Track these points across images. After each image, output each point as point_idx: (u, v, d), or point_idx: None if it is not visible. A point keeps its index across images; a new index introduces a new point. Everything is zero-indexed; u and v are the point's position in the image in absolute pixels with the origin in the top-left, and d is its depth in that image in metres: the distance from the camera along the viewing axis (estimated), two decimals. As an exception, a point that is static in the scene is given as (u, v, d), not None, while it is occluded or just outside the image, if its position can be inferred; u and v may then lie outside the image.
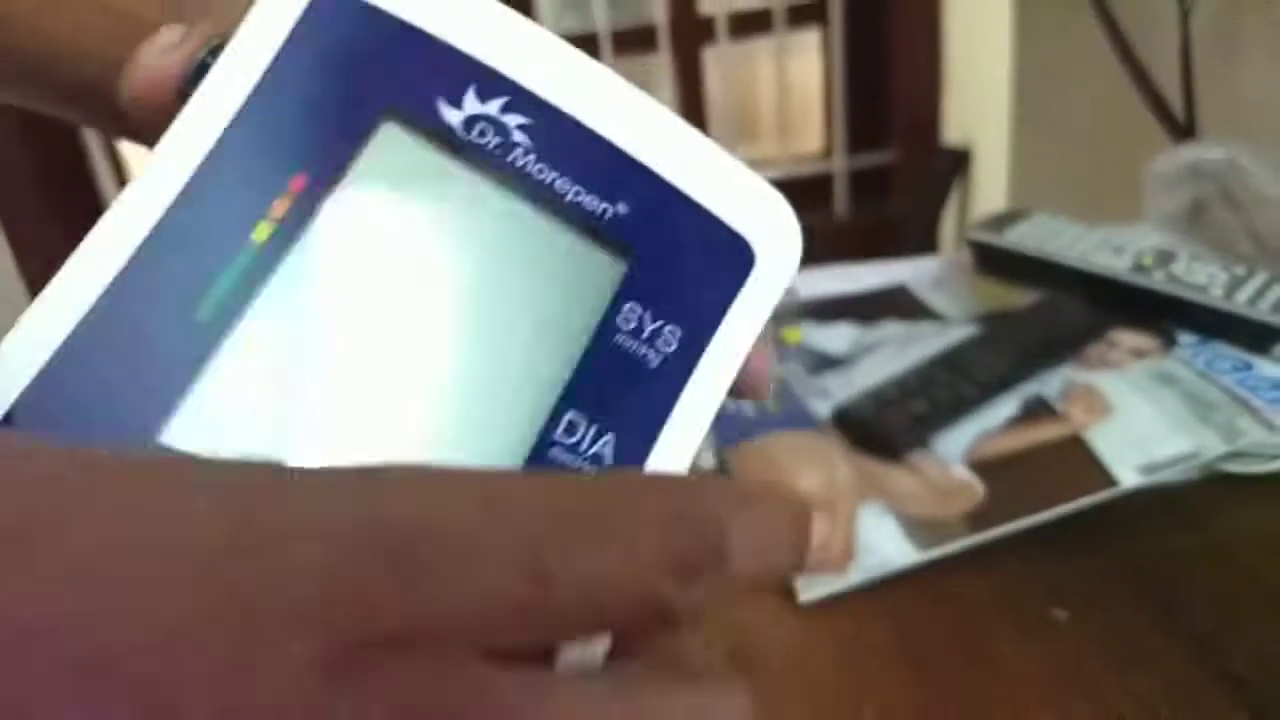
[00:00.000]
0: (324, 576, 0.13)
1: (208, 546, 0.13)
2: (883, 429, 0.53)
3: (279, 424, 0.17)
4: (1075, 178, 1.25)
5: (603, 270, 0.20)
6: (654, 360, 0.20)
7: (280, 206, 0.18)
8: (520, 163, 0.19)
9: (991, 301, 0.67)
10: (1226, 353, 0.57)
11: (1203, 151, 0.67)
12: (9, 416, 0.16)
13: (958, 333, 0.62)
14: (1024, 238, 0.68)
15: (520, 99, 0.20)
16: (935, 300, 0.68)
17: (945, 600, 0.46)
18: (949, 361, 0.57)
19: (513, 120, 0.20)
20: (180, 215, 0.17)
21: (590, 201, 0.20)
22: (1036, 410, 0.54)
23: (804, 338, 0.63)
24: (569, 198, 0.20)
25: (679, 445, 0.20)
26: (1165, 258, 0.63)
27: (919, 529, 0.49)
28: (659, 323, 0.20)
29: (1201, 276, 0.60)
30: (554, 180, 0.20)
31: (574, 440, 0.19)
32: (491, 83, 0.20)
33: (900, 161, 1.61)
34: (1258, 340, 0.57)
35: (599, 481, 0.17)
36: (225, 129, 0.18)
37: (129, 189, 0.17)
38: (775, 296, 0.22)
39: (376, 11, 0.19)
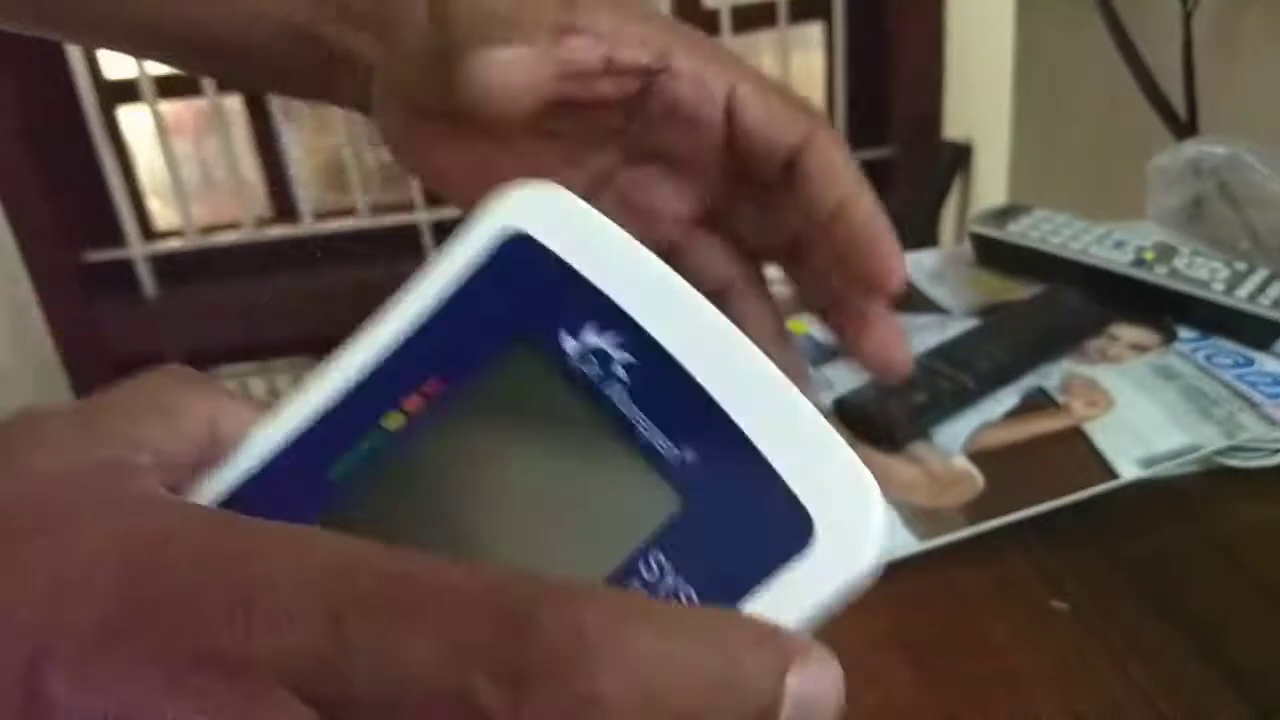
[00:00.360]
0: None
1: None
2: (883, 419, 0.53)
3: None
4: (1076, 174, 1.25)
5: (649, 512, 0.20)
6: None
7: (413, 403, 0.22)
8: (613, 395, 0.21)
9: (992, 294, 0.67)
10: (1227, 348, 0.57)
11: (1205, 147, 0.67)
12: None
13: (958, 325, 0.62)
14: (1025, 231, 0.68)
15: (633, 338, 0.21)
16: (936, 293, 0.68)
17: (945, 590, 0.46)
18: (949, 353, 0.57)
19: (620, 356, 0.21)
20: (344, 391, 0.22)
21: (663, 443, 0.20)
22: (1037, 402, 0.54)
23: (807, 329, 0.63)
24: (646, 436, 0.21)
25: None
26: (1167, 252, 0.63)
27: (918, 519, 0.49)
28: (677, 581, 0.19)
29: (1203, 272, 0.60)
30: (637, 417, 0.21)
31: None
32: (611, 319, 0.22)
33: (901, 156, 1.61)
34: (1259, 336, 0.57)
35: (446, 566, 0.16)
36: (398, 333, 0.23)
37: (326, 362, 0.23)
38: (832, 589, 0.19)
39: (535, 246, 0.22)
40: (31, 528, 0.17)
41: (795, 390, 0.21)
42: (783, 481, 0.19)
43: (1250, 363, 0.55)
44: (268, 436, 0.22)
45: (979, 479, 0.50)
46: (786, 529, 0.19)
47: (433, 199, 1.55)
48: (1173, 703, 0.39)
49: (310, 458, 0.22)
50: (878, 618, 0.45)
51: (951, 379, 0.55)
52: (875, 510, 0.19)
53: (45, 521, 0.17)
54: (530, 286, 0.23)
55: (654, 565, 0.19)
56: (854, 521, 0.19)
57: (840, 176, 0.30)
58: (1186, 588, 0.45)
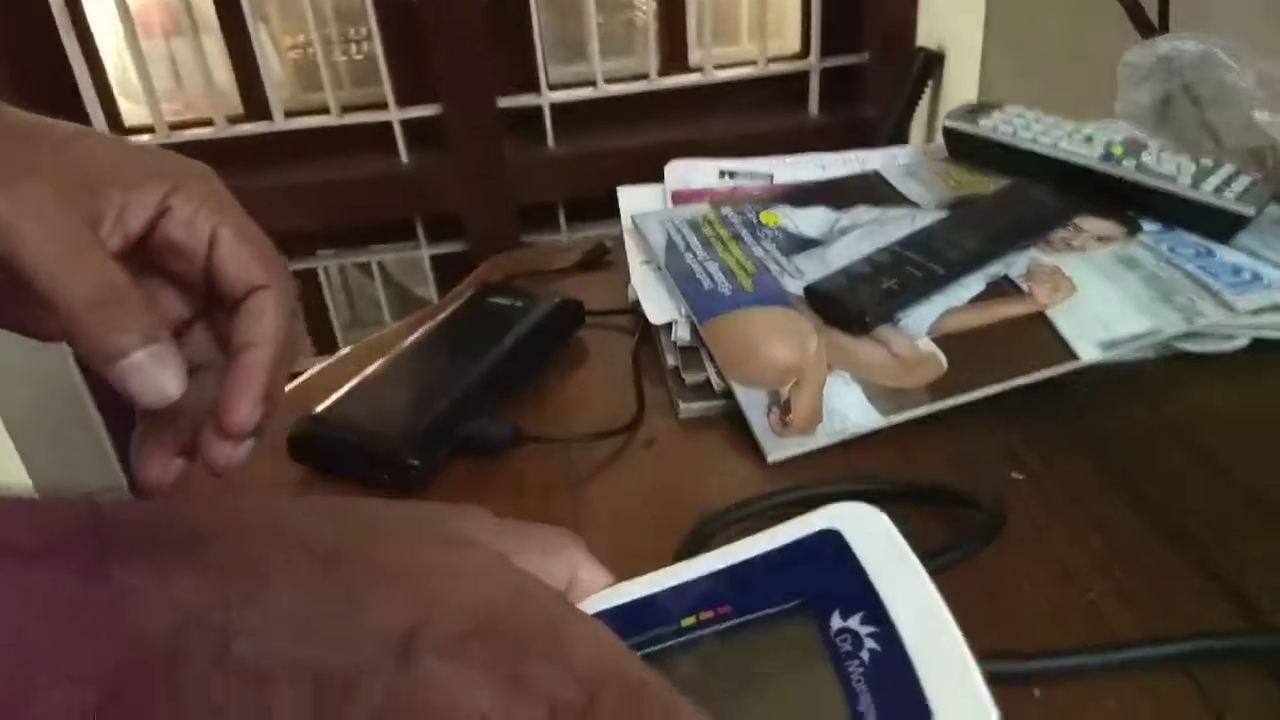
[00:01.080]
0: None
1: None
2: (853, 304, 0.53)
3: None
4: (1047, 80, 1.25)
5: None
6: None
7: (707, 615, 0.30)
8: (851, 670, 0.27)
9: (962, 188, 0.67)
10: (1189, 240, 0.58)
11: (1178, 43, 0.67)
12: None
13: (928, 217, 0.63)
14: (997, 126, 0.68)
15: (885, 630, 0.27)
16: (907, 186, 0.68)
17: (906, 462, 0.48)
18: (919, 243, 0.58)
19: (869, 643, 0.27)
20: (670, 591, 0.31)
21: (866, 702, 0.26)
22: (1001, 289, 0.55)
23: (781, 220, 0.64)
24: (862, 704, 0.26)
25: None
26: (1135, 147, 0.63)
27: (883, 397, 0.50)
28: None
29: (1170, 167, 0.61)
30: (861, 693, 0.26)
31: None
32: (874, 612, 0.28)
33: (875, 63, 1.59)
34: (1221, 228, 0.58)
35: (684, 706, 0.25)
36: (721, 565, 0.31)
37: (677, 566, 0.32)
38: None
39: (842, 541, 0.30)
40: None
41: (978, 674, 0.26)
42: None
43: (1211, 254, 0.56)
44: (600, 598, 0.31)
45: (943, 360, 0.51)
46: None
47: (404, 99, 1.53)
48: (1128, 572, 0.41)
49: (619, 624, 0.29)
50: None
51: (920, 266, 0.56)
52: None
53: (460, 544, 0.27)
54: (828, 571, 0.30)
55: None
56: None
57: (258, 326, 0.38)
58: (1142, 465, 0.47)
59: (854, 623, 0.28)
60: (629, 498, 0.48)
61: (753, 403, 0.50)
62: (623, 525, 0.47)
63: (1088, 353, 0.50)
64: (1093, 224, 0.60)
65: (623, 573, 0.32)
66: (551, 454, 0.51)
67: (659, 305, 0.58)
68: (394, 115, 1.56)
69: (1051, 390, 0.50)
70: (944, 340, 0.52)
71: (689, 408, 0.53)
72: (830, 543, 0.31)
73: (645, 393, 0.55)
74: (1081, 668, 0.36)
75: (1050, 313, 0.53)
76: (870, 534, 0.31)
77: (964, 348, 0.52)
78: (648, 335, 0.60)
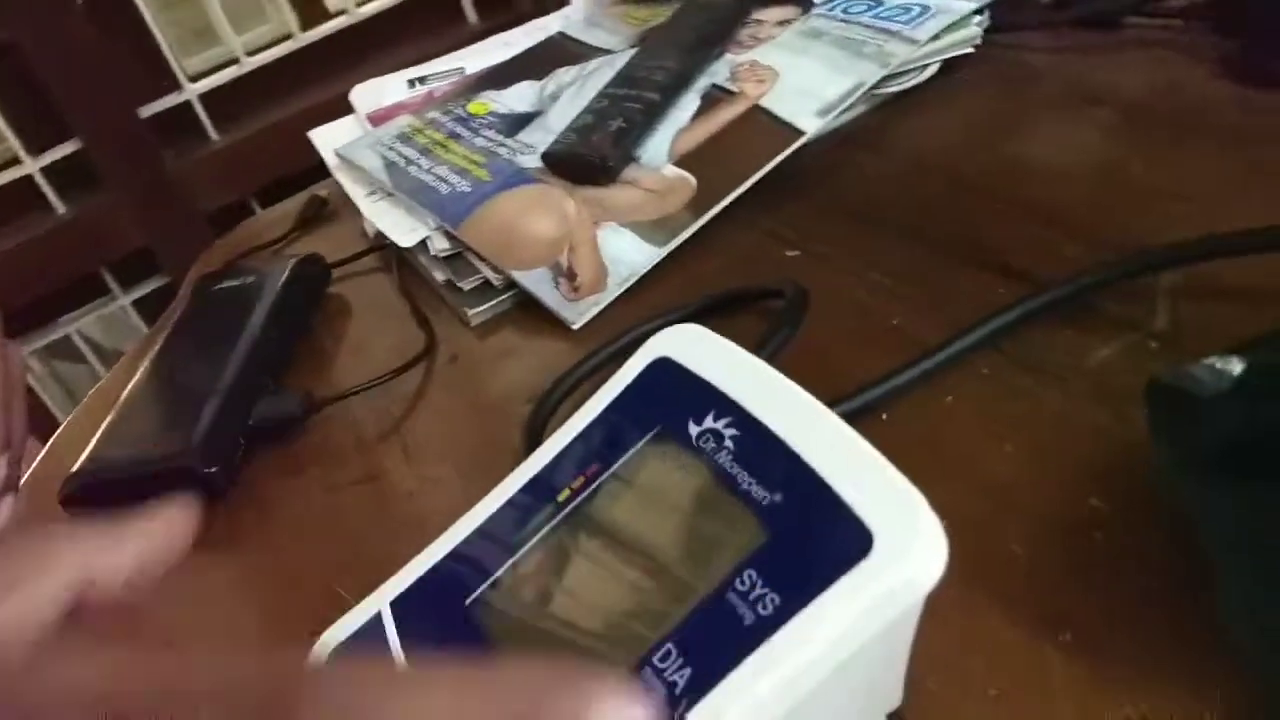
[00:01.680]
0: None
1: None
2: (592, 155, 0.54)
3: (525, 610, 0.29)
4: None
5: (744, 543, 0.26)
6: (749, 619, 0.25)
7: (578, 481, 0.30)
8: (723, 460, 0.28)
9: (644, 21, 0.68)
10: (856, -2, 0.62)
11: None
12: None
13: (624, 56, 0.63)
14: (651, -46, 0.69)
15: (738, 418, 0.28)
16: (595, 36, 0.68)
17: (695, 282, 0.49)
18: (626, 80, 0.59)
19: (729, 432, 0.28)
20: (535, 479, 0.32)
21: (758, 491, 0.27)
22: (715, 97, 0.57)
23: (490, 106, 0.62)
24: (743, 486, 0.27)
25: (735, 689, 0.24)
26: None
27: (652, 231, 0.51)
28: (765, 590, 0.25)
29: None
30: (739, 474, 0.27)
31: (663, 667, 0.25)
32: (725, 407, 0.29)
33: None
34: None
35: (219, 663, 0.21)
36: (577, 434, 0.32)
37: (535, 455, 0.32)
38: (897, 580, 0.23)
39: (675, 365, 0.31)
40: None
41: (861, 440, 0.26)
42: (848, 507, 0.25)
43: (880, 3, 0.60)
44: (475, 515, 0.32)
45: (691, 180, 0.53)
46: (851, 542, 0.24)
47: (35, 145, 1.37)
48: (920, 292, 0.44)
49: (506, 525, 0.31)
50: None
51: (637, 100, 0.56)
52: (924, 517, 0.24)
53: None
54: (669, 393, 0.31)
55: (747, 580, 0.25)
56: (905, 529, 0.24)
57: None
58: (897, 202, 0.51)
59: (709, 423, 0.29)
60: (457, 415, 0.47)
61: (538, 282, 0.50)
62: (462, 442, 0.45)
63: (808, 125, 0.53)
64: (769, 12, 0.63)
65: (489, 481, 0.32)
66: (356, 409, 0.48)
67: (404, 228, 0.56)
68: (31, 166, 1.39)
69: (792, 170, 0.53)
70: (684, 161, 0.54)
71: (478, 312, 0.52)
72: (663, 370, 0.32)
73: (428, 317, 0.53)
74: (910, 380, 0.39)
75: (764, 103, 0.55)
76: (697, 348, 0.32)
77: (704, 161, 0.53)
78: (406, 265, 0.58)
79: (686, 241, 0.50)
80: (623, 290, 0.49)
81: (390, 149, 0.61)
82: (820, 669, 0.24)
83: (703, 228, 0.51)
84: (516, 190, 0.55)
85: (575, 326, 0.49)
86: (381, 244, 0.59)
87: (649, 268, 0.50)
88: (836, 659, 0.24)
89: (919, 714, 0.29)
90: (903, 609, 0.24)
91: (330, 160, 0.64)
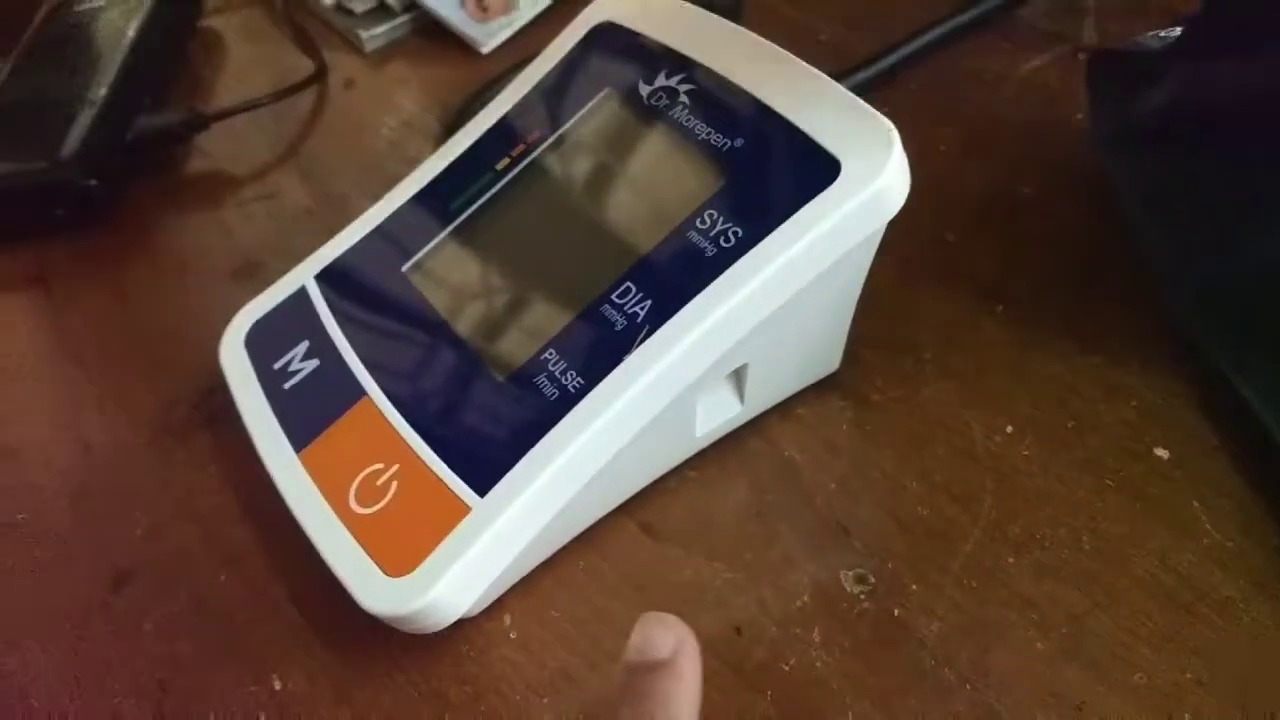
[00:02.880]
0: None
1: None
2: None
3: (473, 269, 0.28)
4: None
5: (703, 186, 0.25)
6: (710, 251, 0.24)
7: (518, 149, 0.29)
8: (678, 115, 0.27)
9: None
10: None
11: None
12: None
13: None
14: None
15: (691, 73, 0.27)
16: None
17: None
18: None
19: (683, 88, 0.27)
20: (468, 153, 0.30)
21: (716, 138, 0.26)
22: None
23: None
24: (700, 136, 0.26)
25: (696, 314, 0.23)
26: None
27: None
28: (727, 224, 0.24)
29: None
30: (694, 125, 0.26)
31: (621, 301, 0.24)
32: (676, 64, 0.28)
33: None
34: None
35: None
36: (513, 106, 0.30)
37: (469, 125, 0.31)
38: (864, 203, 0.23)
39: (620, 28, 0.29)
40: None
41: (819, 73, 0.25)
42: (812, 139, 0.24)
43: None
44: (400, 191, 0.31)
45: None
46: (816, 170, 0.24)
47: None
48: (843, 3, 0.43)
49: (440, 196, 0.30)
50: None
51: None
52: (892, 142, 0.23)
53: None
54: (614, 57, 0.29)
55: (707, 219, 0.25)
56: (875, 154, 0.23)
57: None
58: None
59: (661, 81, 0.28)
60: (358, 138, 0.44)
61: (441, 2, 0.46)
62: (365, 162, 0.43)
63: None
64: None
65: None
66: (245, 131, 0.45)
67: (288, -51, 0.51)
68: None
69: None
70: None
71: (373, 35, 0.48)
72: (606, 34, 0.30)
73: (317, 45, 0.49)
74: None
75: None
76: (642, 8, 0.30)
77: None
78: (288, -9, 0.53)
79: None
80: (537, 12, 0.46)
81: None
82: (782, 291, 0.24)
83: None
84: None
85: (485, 50, 0.46)
86: (259, -31, 0.53)
87: (563, -15, 0.47)
88: (797, 284, 0.24)
89: (853, 379, 0.29)
90: (866, 233, 0.24)
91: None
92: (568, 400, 0.24)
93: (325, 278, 0.30)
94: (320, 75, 0.47)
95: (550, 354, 0.24)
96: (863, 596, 0.25)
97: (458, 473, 0.24)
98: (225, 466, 0.30)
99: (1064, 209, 0.33)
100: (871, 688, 0.23)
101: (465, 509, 0.23)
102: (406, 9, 0.48)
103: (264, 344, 0.29)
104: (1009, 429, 0.28)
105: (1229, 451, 0.26)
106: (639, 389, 0.23)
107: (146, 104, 0.44)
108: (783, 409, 0.29)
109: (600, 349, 0.24)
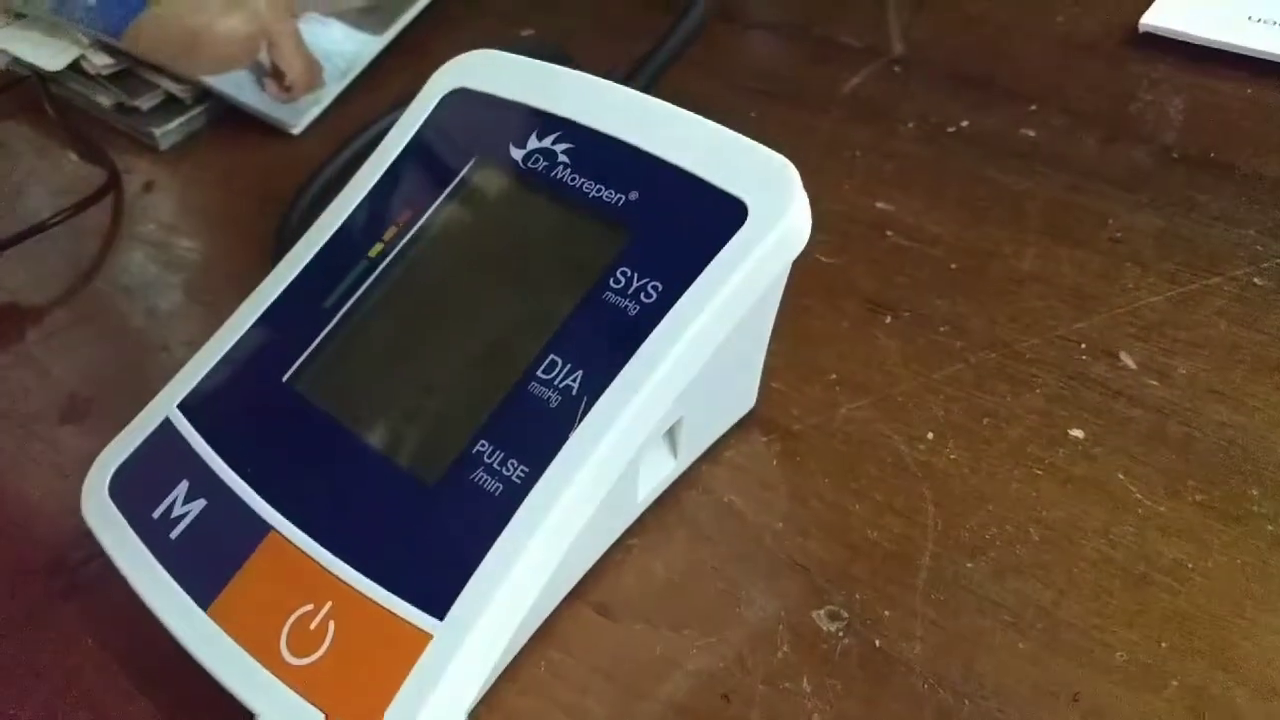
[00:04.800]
0: None
1: None
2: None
3: (366, 368, 0.26)
4: None
5: (606, 245, 0.24)
6: (632, 310, 0.23)
7: (389, 233, 0.27)
8: (561, 176, 0.26)
9: None
10: None
11: None
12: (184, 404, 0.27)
13: None
14: None
15: (566, 131, 0.26)
16: None
17: (428, 69, 0.45)
18: None
19: (560, 147, 0.26)
20: (330, 244, 0.28)
21: (608, 194, 0.25)
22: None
23: None
24: (592, 194, 0.25)
25: (635, 377, 0.22)
26: None
27: (364, 18, 0.46)
28: (644, 280, 0.23)
29: None
30: (582, 184, 0.25)
31: (550, 376, 0.23)
32: (548, 125, 0.26)
33: None
34: None
35: None
36: (372, 187, 0.28)
37: (324, 215, 0.29)
38: (774, 243, 0.23)
39: (474, 94, 0.28)
40: None
41: (703, 119, 0.25)
42: (711, 185, 0.24)
43: None
44: (276, 279, 0.28)
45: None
46: (725, 215, 0.23)
47: None
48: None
49: (309, 295, 0.27)
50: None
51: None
52: (792, 179, 0.23)
53: None
54: (476, 124, 0.28)
55: (621, 277, 0.23)
56: (778, 193, 0.23)
57: None
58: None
59: (534, 144, 0.27)
60: (177, 242, 0.40)
61: (238, 87, 0.43)
62: (191, 264, 0.39)
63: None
64: None
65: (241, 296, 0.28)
66: (39, 255, 0.40)
67: (49, 51, 0.47)
68: None
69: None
70: (383, -56, 0.48)
71: (166, 131, 0.44)
72: (462, 101, 0.29)
73: (104, 148, 0.44)
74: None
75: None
76: (494, 71, 0.29)
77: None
78: (53, 99, 0.48)
79: (412, 29, 0.46)
80: (345, 85, 0.44)
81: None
82: (713, 338, 0.23)
83: (429, 12, 0.46)
84: (188, -11, 0.46)
85: (295, 130, 0.43)
86: (18, 77, 0.48)
87: (371, 57, 0.44)
88: (726, 329, 0.23)
89: (769, 412, 0.29)
90: (780, 269, 0.24)
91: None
92: (515, 492, 0.22)
93: (191, 405, 0.26)
94: (115, 181, 0.42)
95: (483, 445, 0.23)
96: (840, 633, 0.24)
97: (405, 598, 0.21)
98: (106, 638, 0.27)
99: (917, 215, 0.34)
100: (875, 726, 0.23)
101: (425, 636, 0.21)
102: (198, 99, 0.44)
103: (134, 492, 0.25)
104: (930, 435, 0.28)
105: (1137, 419, 0.27)
106: (593, 465, 0.22)
107: (-86, 241, 0.39)
108: (710, 455, 0.28)
109: (538, 430, 0.22)
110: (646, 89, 0.35)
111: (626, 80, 0.35)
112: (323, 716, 0.21)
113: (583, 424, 0.22)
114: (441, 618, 0.21)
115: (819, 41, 0.42)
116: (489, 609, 0.21)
